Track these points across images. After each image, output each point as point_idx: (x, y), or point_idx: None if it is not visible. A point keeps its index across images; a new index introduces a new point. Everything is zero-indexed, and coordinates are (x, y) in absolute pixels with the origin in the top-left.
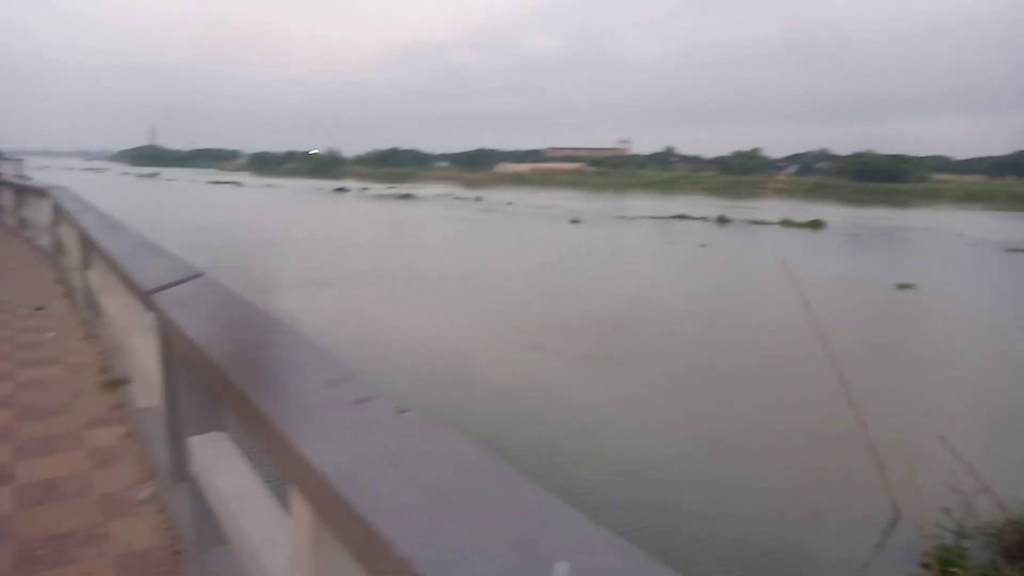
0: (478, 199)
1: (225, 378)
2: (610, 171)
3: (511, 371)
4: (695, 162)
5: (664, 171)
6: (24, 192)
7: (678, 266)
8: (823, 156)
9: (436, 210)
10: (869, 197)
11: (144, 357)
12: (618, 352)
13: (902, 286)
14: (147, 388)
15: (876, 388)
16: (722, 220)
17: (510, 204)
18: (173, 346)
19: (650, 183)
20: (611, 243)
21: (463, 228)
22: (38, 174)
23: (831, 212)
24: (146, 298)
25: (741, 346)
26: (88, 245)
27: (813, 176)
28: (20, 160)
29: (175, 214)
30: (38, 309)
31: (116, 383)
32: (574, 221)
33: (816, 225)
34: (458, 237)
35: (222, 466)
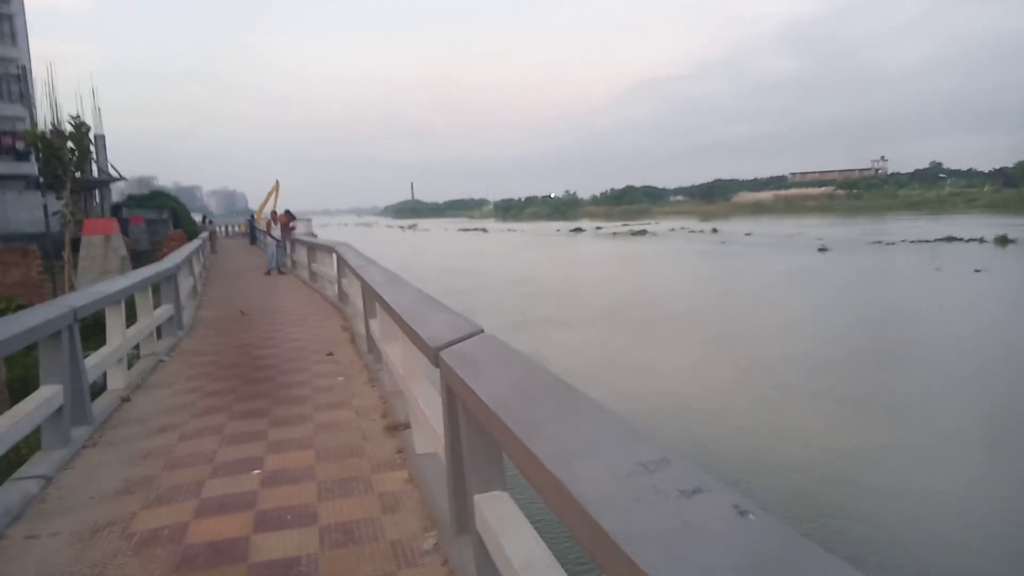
0: (714, 231)
1: (518, 442)
2: (864, 193)
3: (778, 419)
4: (969, 176)
5: (931, 189)
6: (314, 248)
7: (948, 295)
8: None
9: (670, 245)
10: None
11: (424, 406)
12: (889, 395)
13: None
14: (426, 435)
15: None
16: (1002, 240)
17: (748, 235)
18: (458, 402)
19: (913, 203)
20: (865, 271)
21: (696, 262)
22: (320, 230)
23: None
24: (434, 355)
25: None
26: (371, 297)
27: None
28: (309, 220)
29: (426, 260)
30: (329, 355)
31: (397, 428)
32: (821, 249)
33: None
34: (689, 272)
35: (509, 529)
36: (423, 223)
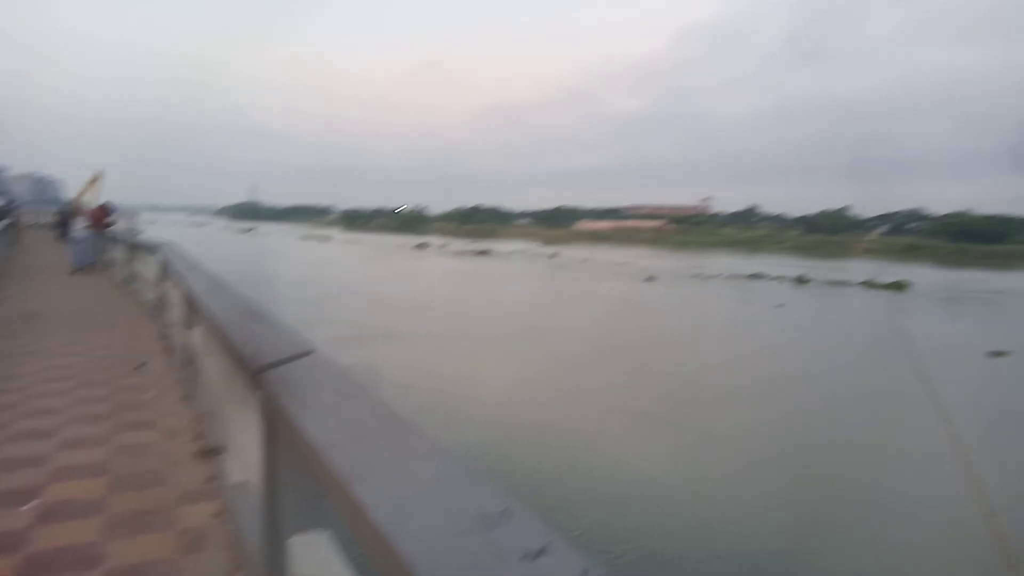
0: (553, 256)
1: (344, 488)
2: (692, 229)
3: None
4: (780, 221)
5: (747, 230)
6: (133, 246)
7: (751, 327)
8: (915, 216)
9: (511, 266)
10: (965, 259)
11: (240, 431)
12: (668, 411)
13: (995, 353)
14: (242, 462)
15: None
16: (800, 280)
17: (584, 261)
18: (279, 432)
19: (733, 242)
20: (682, 301)
21: (532, 285)
22: (147, 228)
23: (922, 274)
24: (253, 377)
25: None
26: (192, 306)
27: (905, 237)
28: (134, 215)
29: (259, 266)
30: (139, 366)
31: (211, 452)
32: (648, 279)
33: (900, 287)
34: (525, 293)
35: (321, 568)
36: (263, 227)
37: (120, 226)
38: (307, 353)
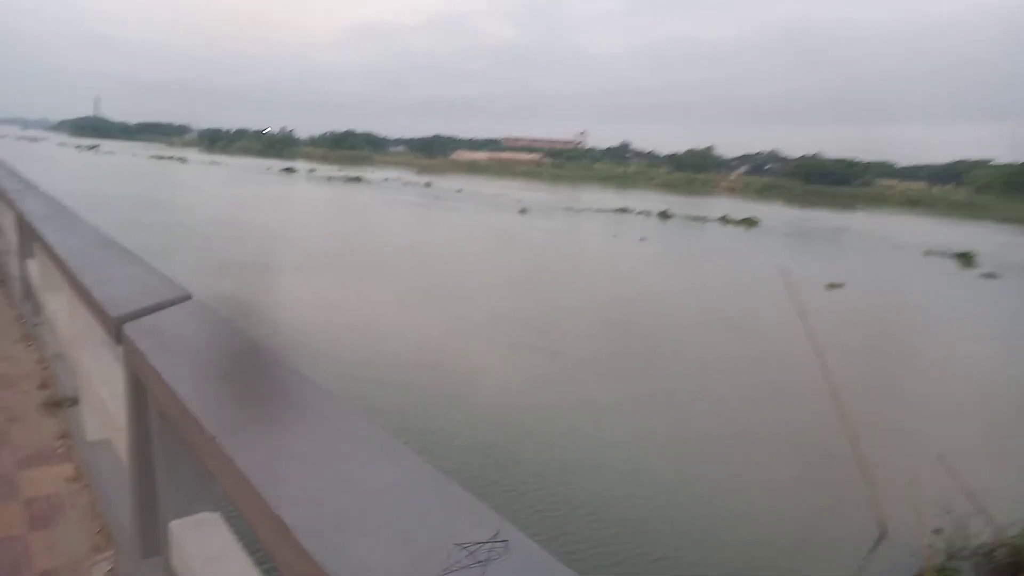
0: (427, 185)
1: (222, 455)
2: (566, 164)
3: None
4: (650, 158)
5: (620, 165)
6: None
7: (616, 259)
8: (773, 157)
9: (383, 194)
10: (815, 199)
11: (100, 382)
12: (537, 340)
13: (832, 285)
14: (101, 418)
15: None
16: (664, 215)
17: (459, 191)
18: (148, 395)
19: (606, 177)
20: (554, 234)
21: (404, 214)
22: None
23: (776, 212)
24: (115, 327)
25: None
26: (30, 234)
27: (764, 177)
28: None
29: (98, 188)
30: None
31: (61, 404)
32: (522, 211)
33: (750, 223)
34: (395, 223)
35: (211, 557)
36: (109, 145)
37: None
38: (182, 299)
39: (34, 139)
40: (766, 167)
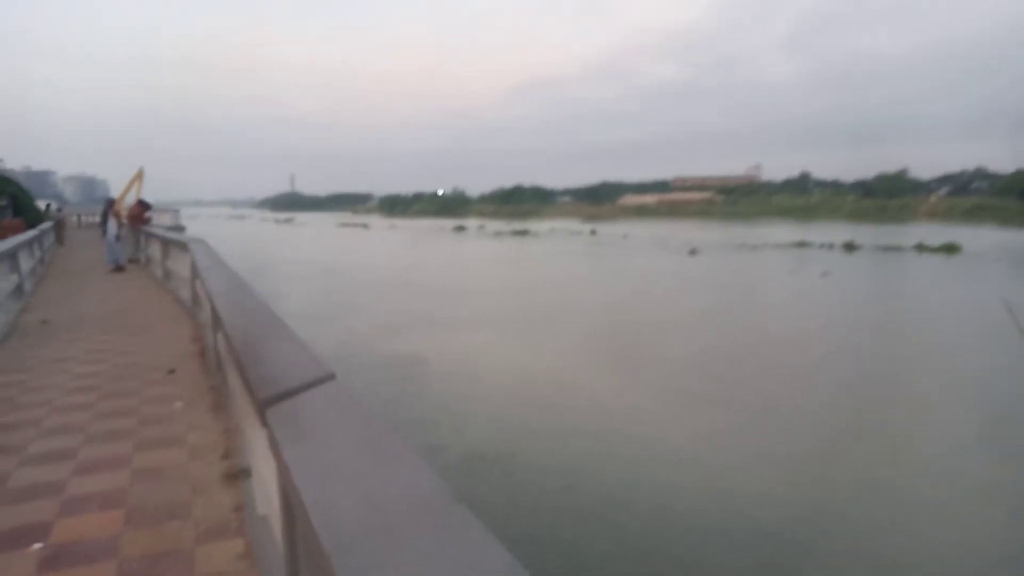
0: (592, 232)
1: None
2: (741, 199)
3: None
4: (834, 187)
5: (800, 197)
6: (167, 243)
7: (795, 297)
8: (980, 175)
9: (547, 245)
10: None
11: (261, 457)
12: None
13: None
14: (264, 493)
15: None
16: (849, 247)
17: (624, 237)
18: (292, 494)
19: (785, 210)
20: (724, 273)
21: (566, 262)
22: (189, 223)
23: (986, 235)
24: (260, 411)
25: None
26: (215, 310)
27: (970, 197)
28: (176, 211)
29: (293, 255)
30: (170, 372)
31: (238, 474)
32: (692, 252)
33: (951, 249)
34: (557, 271)
35: None
36: (302, 217)
37: (165, 222)
38: (323, 380)
39: (241, 216)
40: (972, 186)
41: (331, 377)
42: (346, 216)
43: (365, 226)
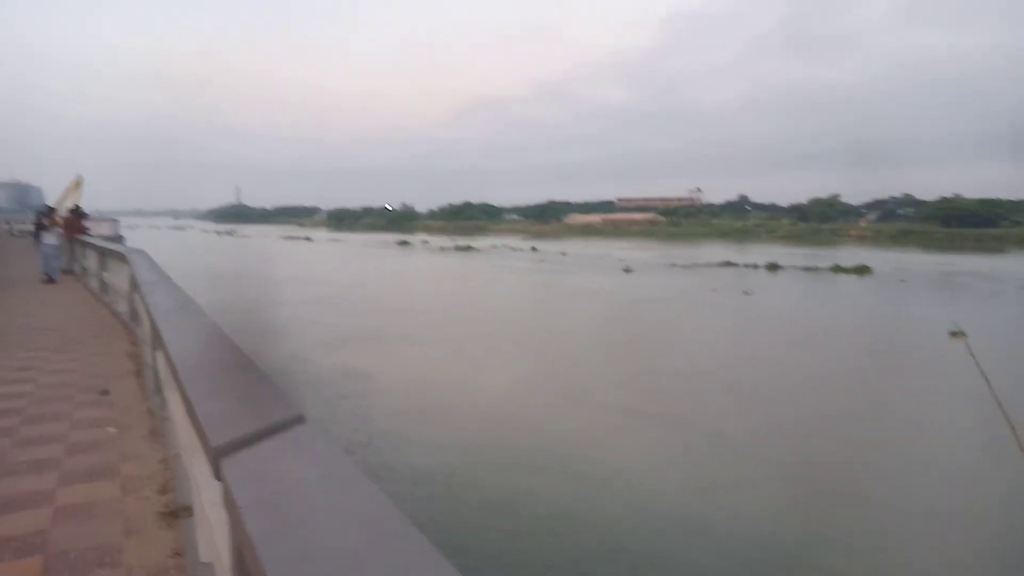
0: (533, 249)
1: None
2: (682, 221)
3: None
4: (771, 210)
5: (738, 220)
6: (104, 254)
7: (715, 313)
8: (907, 202)
9: (488, 261)
10: (956, 243)
11: (207, 500)
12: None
13: (954, 334)
14: (209, 538)
15: None
16: (772, 267)
17: (564, 254)
18: (247, 553)
19: (724, 232)
20: (651, 290)
21: (502, 278)
22: (128, 233)
23: (903, 259)
24: (214, 460)
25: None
26: (156, 328)
27: (897, 223)
28: (115, 220)
29: (218, 264)
30: (103, 394)
31: (179, 513)
32: (626, 270)
33: (862, 271)
34: (492, 287)
35: None
36: (246, 229)
37: (101, 232)
38: (293, 423)
39: (181, 228)
40: (899, 212)
41: (300, 420)
42: (291, 229)
43: (308, 239)
